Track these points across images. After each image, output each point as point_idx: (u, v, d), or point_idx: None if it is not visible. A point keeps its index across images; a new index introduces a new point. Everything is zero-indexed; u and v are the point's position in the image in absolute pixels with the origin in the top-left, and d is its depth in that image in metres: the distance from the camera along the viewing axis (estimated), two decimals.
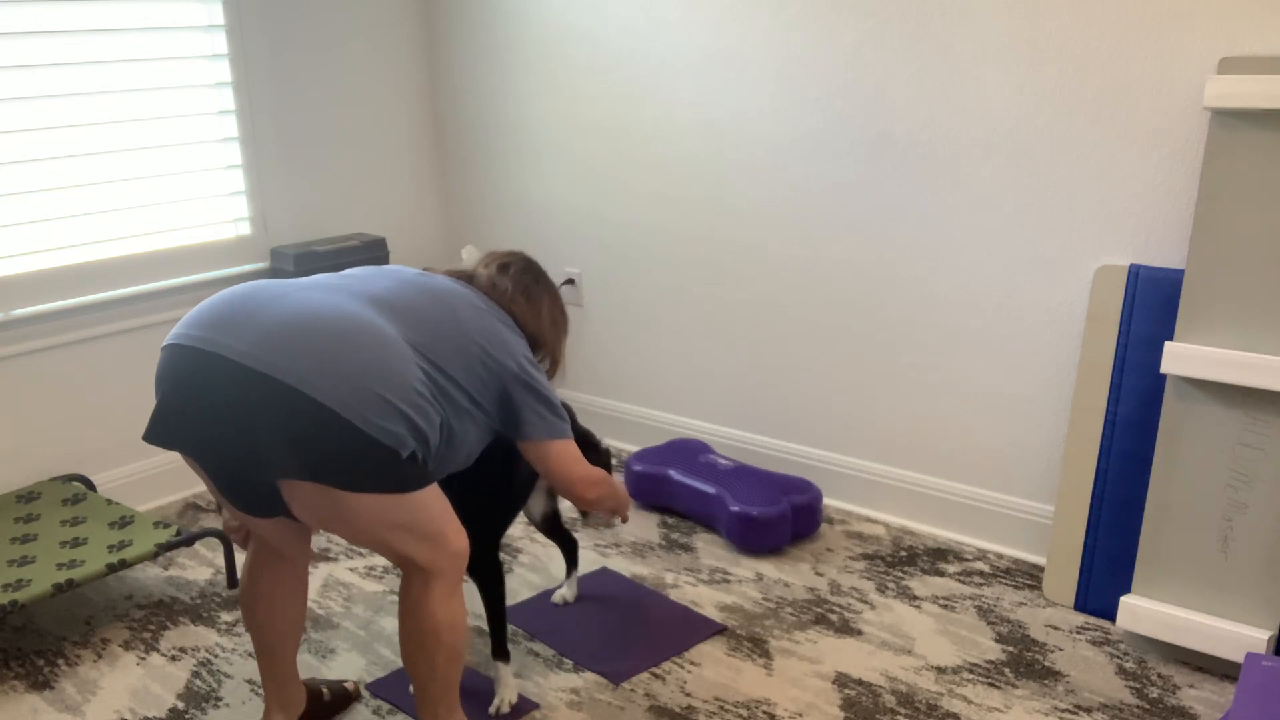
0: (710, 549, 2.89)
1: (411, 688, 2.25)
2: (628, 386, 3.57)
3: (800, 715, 2.19)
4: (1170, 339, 2.37)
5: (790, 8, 2.89)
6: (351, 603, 2.66)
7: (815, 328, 3.07)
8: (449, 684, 1.93)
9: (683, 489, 3.01)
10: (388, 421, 1.71)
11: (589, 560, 2.82)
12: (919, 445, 2.95)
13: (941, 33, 2.65)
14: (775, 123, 2.99)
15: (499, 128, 3.65)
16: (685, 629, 2.50)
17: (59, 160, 2.94)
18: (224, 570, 2.81)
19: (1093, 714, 2.18)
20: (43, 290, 2.94)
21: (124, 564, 2.50)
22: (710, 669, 2.36)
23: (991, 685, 2.28)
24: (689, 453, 3.15)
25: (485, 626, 2.52)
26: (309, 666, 2.39)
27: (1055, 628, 2.49)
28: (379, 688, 2.31)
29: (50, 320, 2.96)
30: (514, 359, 1.93)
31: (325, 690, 2.22)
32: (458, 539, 1.86)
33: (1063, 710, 2.20)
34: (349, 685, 2.27)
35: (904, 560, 2.81)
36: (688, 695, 2.27)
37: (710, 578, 2.74)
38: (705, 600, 2.63)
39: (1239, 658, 2.22)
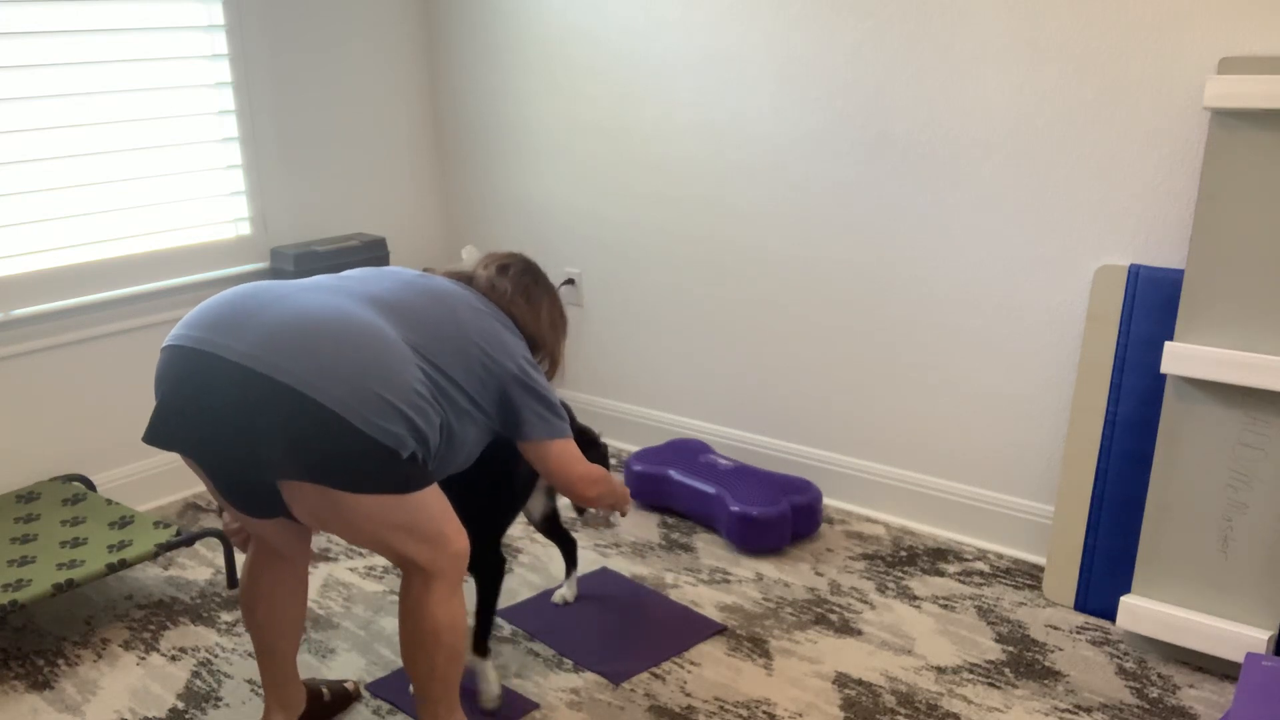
0: (710, 549, 2.89)
1: (412, 687, 2.25)
2: (628, 386, 3.57)
3: (800, 715, 2.19)
4: (1170, 339, 2.37)
5: (790, 8, 2.89)
6: (351, 603, 2.66)
7: (815, 328, 3.07)
8: (449, 684, 1.93)
9: (683, 489, 3.01)
10: (388, 422, 1.71)
11: (589, 560, 2.82)
12: (919, 445, 2.95)
13: (941, 33, 2.65)
14: (775, 123, 2.99)
15: (499, 128, 3.65)
16: (685, 629, 2.50)
17: (59, 160, 2.94)
18: (224, 570, 2.81)
19: (1093, 714, 2.18)
20: (43, 290, 2.94)
21: (124, 564, 2.50)
22: (710, 669, 2.36)
23: (991, 685, 2.28)
24: (689, 453, 3.15)
25: None
26: (309, 666, 2.39)
27: (1055, 628, 2.49)
28: (379, 688, 2.31)
29: (50, 320, 2.96)
30: (513, 360, 1.94)
31: (325, 690, 2.22)
32: (458, 539, 1.86)
33: (1063, 710, 2.20)
34: (349, 685, 2.27)
35: (904, 560, 2.81)
36: (688, 695, 2.27)
37: (710, 578, 2.74)
38: (705, 600, 2.63)
39: (1239, 658, 2.22)
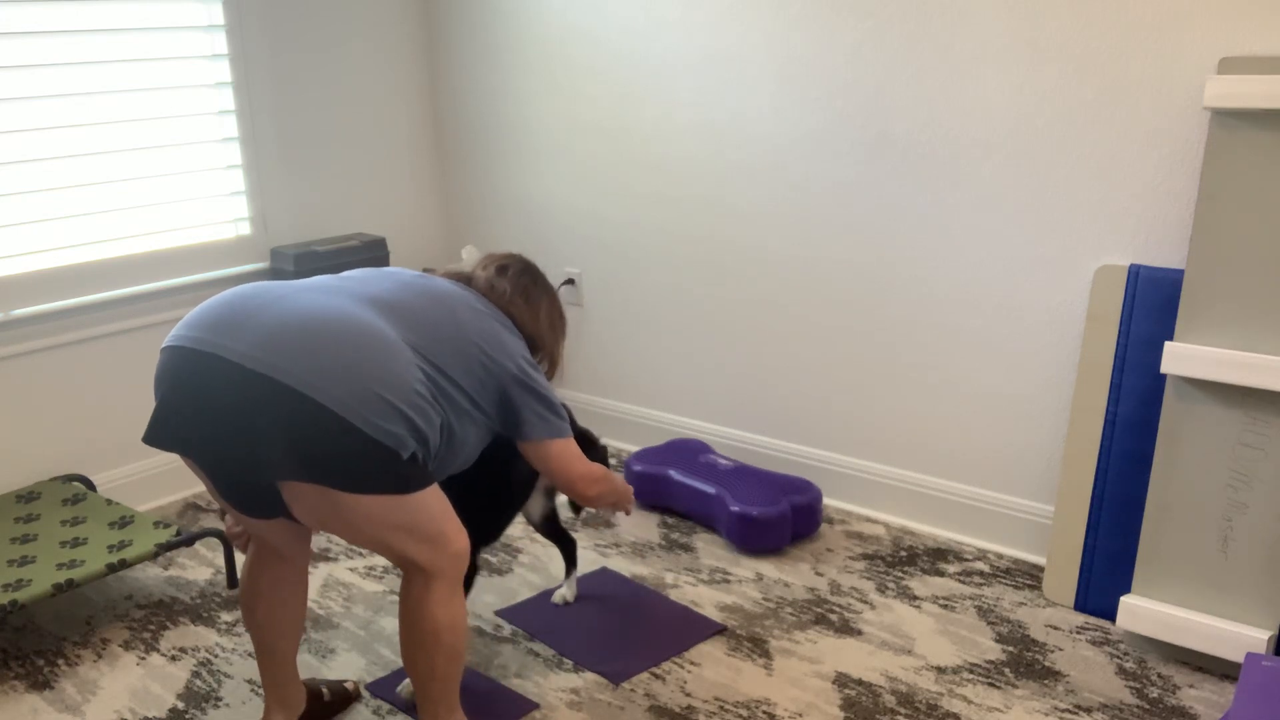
0: (710, 549, 2.89)
1: (401, 688, 2.25)
2: (628, 386, 3.57)
3: (800, 715, 2.19)
4: (1170, 339, 2.37)
5: (790, 8, 2.89)
6: (351, 603, 2.66)
7: (815, 328, 3.06)
8: (449, 684, 1.93)
9: (683, 489, 3.01)
10: (388, 422, 1.71)
11: (589, 560, 2.82)
12: (919, 445, 2.95)
13: (941, 33, 2.65)
14: (775, 123, 2.99)
15: (499, 128, 3.65)
16: (685, 629, 2.50)
17: (59, 160, 2.94)
18: (224, 570, 2.81)
19: (1093, 714, 2.18)
20: (43, 290, 2.94)
21: (124, 564, 2.50)
22: (710, 669, 2.36)
23: (991, 685, 2.28)
24: (689, 453, 3.15)
25: (485, 627, 2.53)
26: (309, 666, 2.39)
27: (1055, 628, 2.49)
28: (379, 688, 2.31)
29: (50, 320, 2.96)
30: (513, 360, 1.94)
31: (325, 690, 2.22)
32: (458, 539, 1.86)
33: (1063, 710, 2.20)
34: (349, 685, 2.27)
35: (904, 560, 2.81)
36: (688, 695, 2.27)
37: (710, 578, 2.74)
38: (705, 600, 2.63)
39: (1239, 658, 2.22)
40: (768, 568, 2.79)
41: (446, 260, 3.92)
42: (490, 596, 2.66)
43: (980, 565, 2.77)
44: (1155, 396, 2.43)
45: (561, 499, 2.61)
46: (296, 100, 3.42)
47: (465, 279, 2.10)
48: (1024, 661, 2.36)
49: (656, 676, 2.34)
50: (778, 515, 2.81)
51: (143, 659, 2.44)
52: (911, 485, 2.98)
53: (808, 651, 2.41)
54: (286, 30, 3.36)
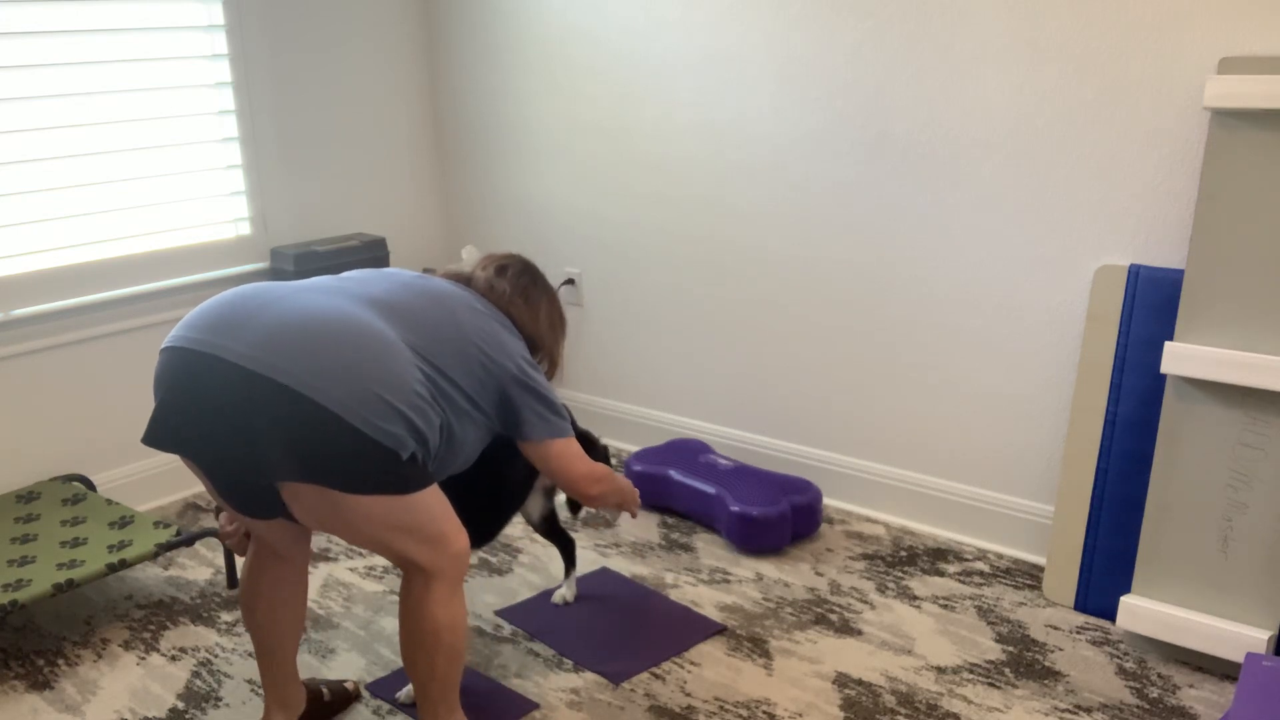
0: (710, 549, 2.89)
1: (400, 692, 2.25)
2: (628, 386, 3.57)
3: (800, 715, 2.19)
4: (1170, 339, 2.37)
5: (790, 8, 2.89)
6: (351, 603, 2.66)
7: (815, 328, 3.06)
8: (449, 684, 1.93)
9: (683, 489, 3.01)
10: (388, 423, 1.71)
11: (589, 560, 2.82)
12: (919, 445, 2.95)
13: (941, 33, 2.65)
14: (775, 123, 2.99)
15: (499, 128, 3.65)
16: (685, 629, 2.50)
17: (59, 160, 2.94)
18: (224, 570, 2.81)
19: (1093, 714, 2.18)
20: (43, 290, 2.94)
21: (124, 564, 2.50)
22: (710, 669, 2.36)
23: (991, 685, 2.28)
24: (689, 453, 3.15)
25: (485, 627, 2.53)
26: (309, 666, 2.39)
27: (1055, 628, 2.49)
28: (379, 688, 2.31)
29: (50, 320, 2.96)
30: (512, 360, 1.94)
31: (325, 690, 2.22)
32: (459, 539, 1.86)
33: (1063, 710, 2.20)
34: (349, 685, 2.27)
35: (904, 560, 2.81)
36: (688, 695, 2.27)
37: (710, 578, 2.74)
38: (705, 600, 2.63)
39: (1239, 658, 2.22)
40: (768, 568, 2.79)
41: (446, 260, 3.92)
42: (490, 596, 2.66)
43: (980, 565, 2.77)
44: (1155, 396, 2.43)
45: (560, 499, 2.61)
46: (296, 100, 3.42)
47: (465, 279, 2.10)
48: (1024, 661, 2.36)
49: (656, 676, 2.34)
50: (778, 515, 2.81)
51: (143, 659, 2.44)
52: (911, 485, 2.98)
53: (808, 651, 2.41)
54: (286, 30, 3.36)
